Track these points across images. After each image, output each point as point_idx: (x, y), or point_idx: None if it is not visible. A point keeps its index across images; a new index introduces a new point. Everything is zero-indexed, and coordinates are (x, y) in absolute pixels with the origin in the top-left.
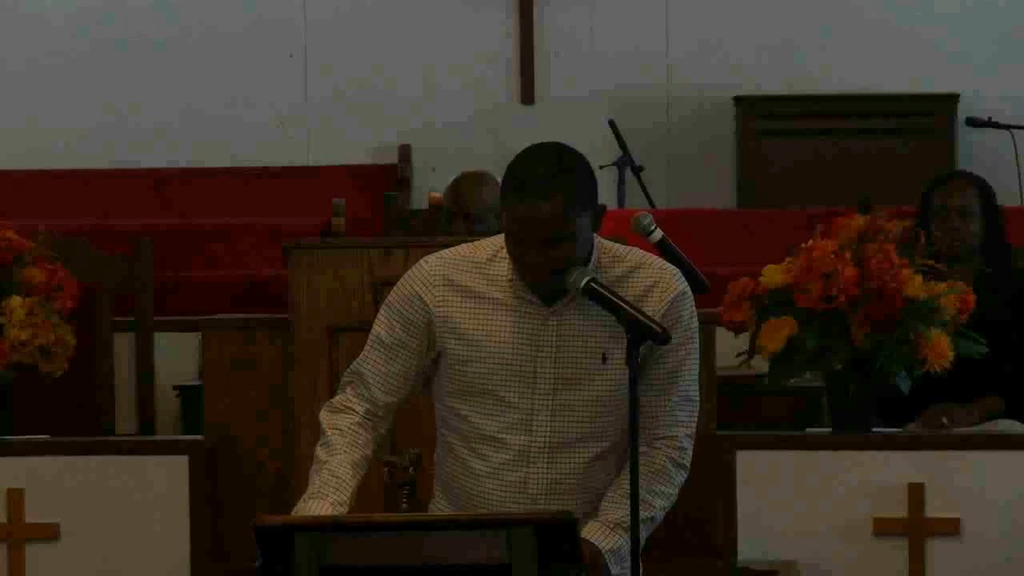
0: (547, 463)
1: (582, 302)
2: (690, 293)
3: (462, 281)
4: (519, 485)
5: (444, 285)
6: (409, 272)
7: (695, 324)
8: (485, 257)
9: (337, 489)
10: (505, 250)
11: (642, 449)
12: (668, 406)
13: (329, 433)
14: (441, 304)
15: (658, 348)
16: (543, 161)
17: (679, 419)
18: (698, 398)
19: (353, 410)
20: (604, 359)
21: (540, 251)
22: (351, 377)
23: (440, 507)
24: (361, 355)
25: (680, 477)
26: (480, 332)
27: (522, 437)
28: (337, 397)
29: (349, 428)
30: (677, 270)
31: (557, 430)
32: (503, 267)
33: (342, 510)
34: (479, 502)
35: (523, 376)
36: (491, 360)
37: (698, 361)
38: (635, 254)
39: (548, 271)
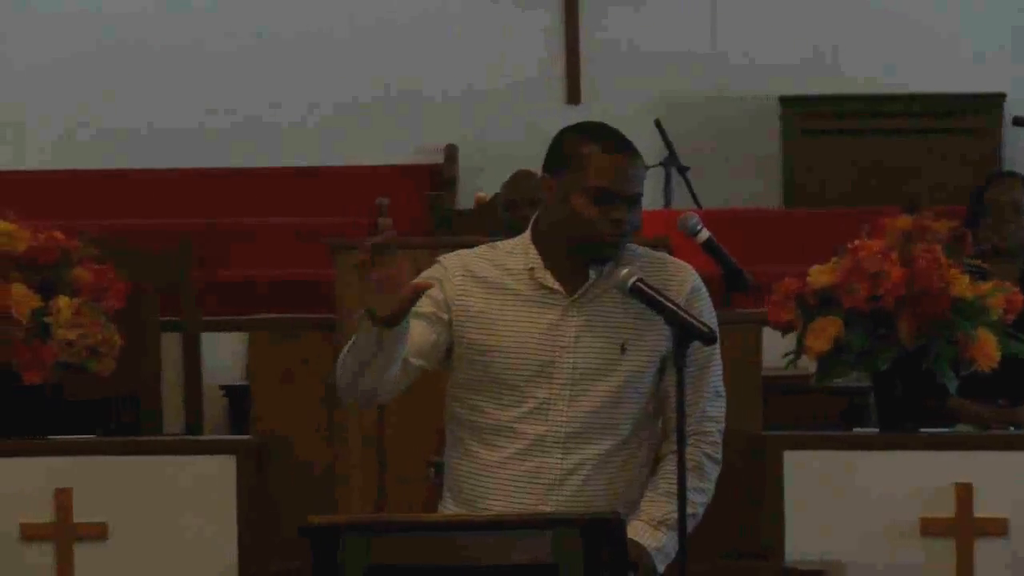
0: (562, 453)
1: (601, 293)
2: (704, 287)
3: (481, 272)
4: (531, 475)
5: (463, 276)
6: (427, 271)
7: (715, 319)
8: (503, 252)
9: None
10: (522, 247)
11: (675, 447)
12: (699, 402)
13: None
14: (461, 295)
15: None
16: (615, 129)
17: (710, 414)
18: (724, 392)
19: None
20: (623, 350)
21: (622, 209)
22: None
23: (448, 508)
24: None
25: (715, 472)
26: (499, 322)
27: (538, 426)
28: None
29: None
30: (689, 265)
31: (573, 419)
32: (521, 261)
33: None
34: (489, 495)
35: (541, 366)
36: (510, 350)
37: (720, 355)
38: (646, 251)
39: (624, 231)
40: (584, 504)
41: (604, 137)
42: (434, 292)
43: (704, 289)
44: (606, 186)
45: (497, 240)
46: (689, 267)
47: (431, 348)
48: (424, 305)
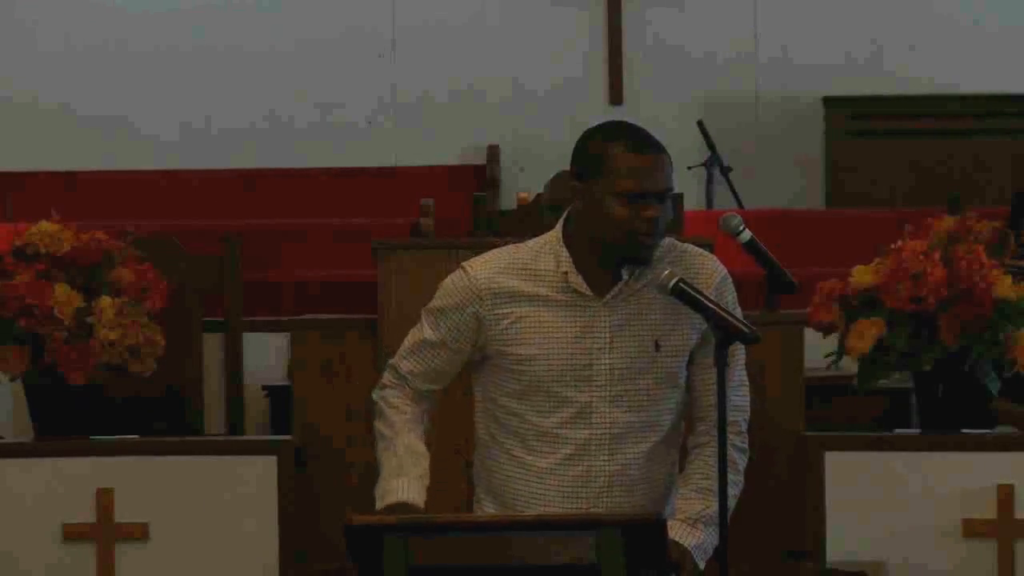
0: (608, 455)
1: (632, 293)
2: (730, 277)
3: (509, 284)
4: (580, 480)
5: (492, 289)
6: (453, 280)
7: (739, 309)
8: (529, 257)
9: (415, 464)
10: (551, 248)
11: (703, 439)
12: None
13: (388, 412)
14: (492, 307)
15: (710, 335)
16: (636, 127)
17: (736, 403)
18: (748, 381)
19: (404, 387)
20: (657, 347)
21: (655, 207)
22: (392, 375)
23: (486, 510)
24: (402, 353)
25: (744, 462)
26: (533, 331)
27: (582, 431)
28: (386, 377)
29: (403, 404)
30: (713, 255)
31: (616, 421)
32: (550, 263)
33: (427, 482)
34: (537, 501)
35: (579, 370)
36: (547, 358)
37: (743, 345)
38: (671, 242)
39: (658, 229)
40: (633, 504)
41: (628, 137)
42: (452, 315)
43: (730, 279)
44: (636, 188)
45: None
46: (714, 257)
47: (442, 375)
48: (440, 329)
